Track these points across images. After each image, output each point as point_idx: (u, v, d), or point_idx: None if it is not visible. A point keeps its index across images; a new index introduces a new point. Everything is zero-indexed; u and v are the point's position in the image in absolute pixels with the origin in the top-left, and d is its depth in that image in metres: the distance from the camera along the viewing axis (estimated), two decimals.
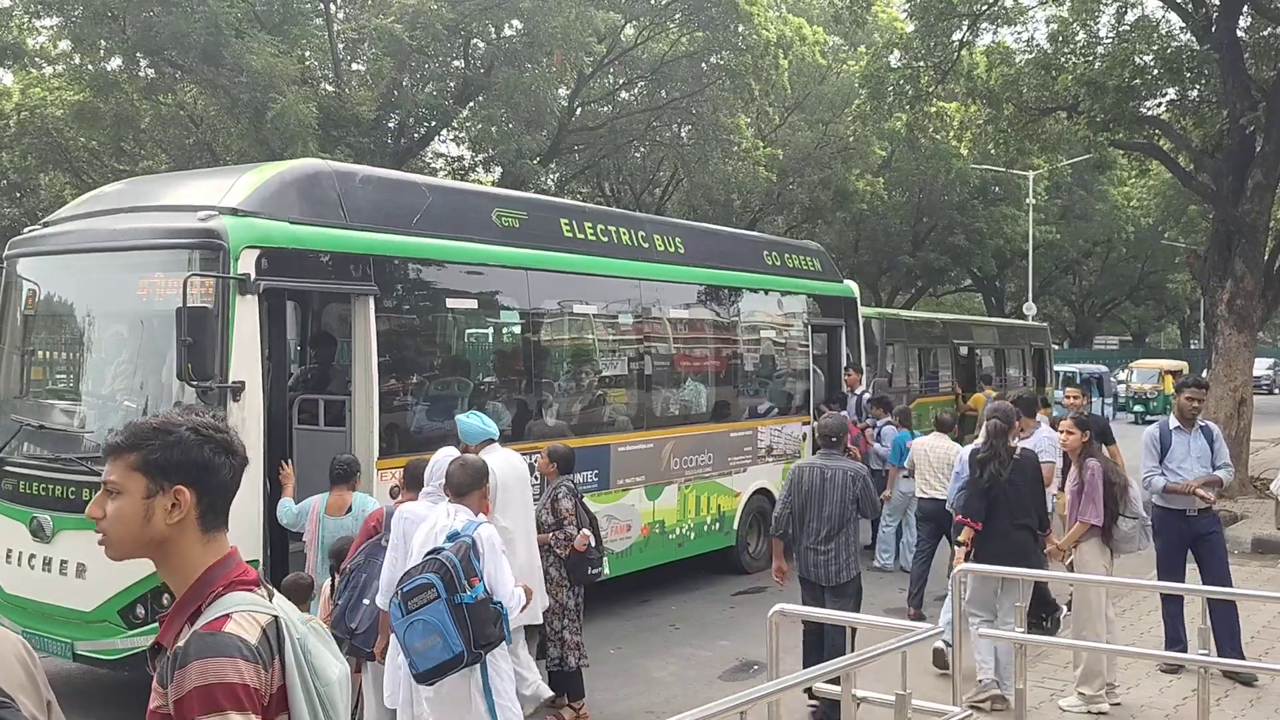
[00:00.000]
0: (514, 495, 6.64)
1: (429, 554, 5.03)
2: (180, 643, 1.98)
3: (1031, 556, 7.17)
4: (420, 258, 8.29)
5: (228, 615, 1.99)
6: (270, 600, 2.09)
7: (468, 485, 5.39)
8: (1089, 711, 6.93)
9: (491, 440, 6.71)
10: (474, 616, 4.84)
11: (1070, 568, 7.51)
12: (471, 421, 6.78)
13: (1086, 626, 7.09)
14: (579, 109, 27.46)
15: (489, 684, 5.14)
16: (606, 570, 7.66)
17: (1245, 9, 16.03)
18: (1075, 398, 10.01)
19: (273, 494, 7.20)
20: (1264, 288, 16.12)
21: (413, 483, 6.30)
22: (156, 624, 6.44)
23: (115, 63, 21.52)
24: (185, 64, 19.84)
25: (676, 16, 25.49)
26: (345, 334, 8.13)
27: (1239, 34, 16.23)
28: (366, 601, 5.79)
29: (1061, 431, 7.54)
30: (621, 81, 28.71)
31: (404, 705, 5.34)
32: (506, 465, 6.61)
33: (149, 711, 2.03)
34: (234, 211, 7.01)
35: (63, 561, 6.83)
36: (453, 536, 5.08)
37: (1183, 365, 31.90)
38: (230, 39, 18.39)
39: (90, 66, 21.51)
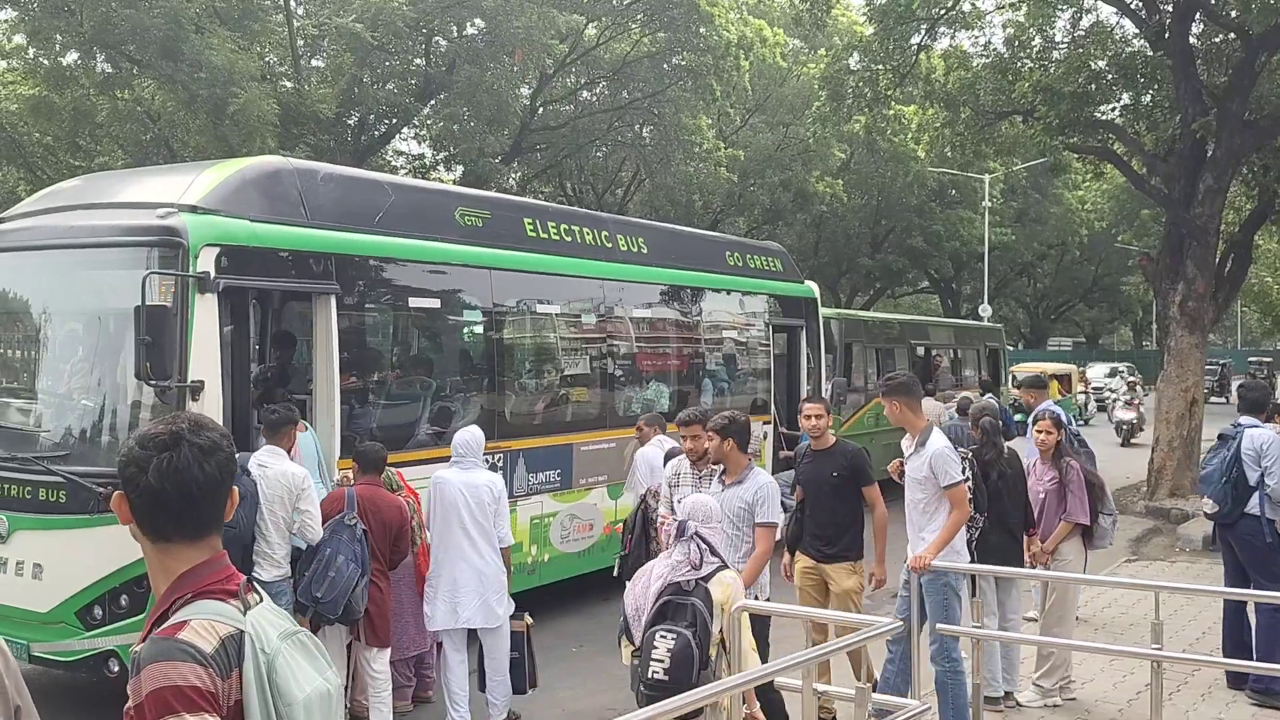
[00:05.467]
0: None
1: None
2: (138, 648, 1.98)
3: (1012, 557, 7.17)
4: (382, 256, 8.27)
5: (185, 622, 1.98)
6: (246, 612, 2.05)
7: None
8: (1045, 704, 7.04)
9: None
10: None
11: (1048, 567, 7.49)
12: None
13: (1060, 623, 7.17)
14: (541, 108, 27.41)
15: None
16: None
17: (1197, 16, 16.32)
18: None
19: None
20: (1215, 290, 16.42)
21: (368, 467, 6.90)
22: (114, 625, 6.43)
23: (71, 57, 21.24)
24: (144, 59, 19.59)
25: (638, 17, 25.50)
26: (306, 333, 8.09)
27: (1191, 40, 16.51)
28: (332, 574, 6.35)
29: (1040, 431, 7.53)
30: (583, 81, 28.67)
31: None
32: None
33: (124, 712, 2.02)
34: (193, 209, 6.96)
35: (19, 562, 6.74)
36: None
37: (1070, 368, 30.60)
38: (190, 34, 18.19)
39: (46, 61, 21.21)
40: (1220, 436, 7.58)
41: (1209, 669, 7.51)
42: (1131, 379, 32.58)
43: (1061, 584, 7.21)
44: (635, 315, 11.05)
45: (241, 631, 2.01)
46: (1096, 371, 41.52)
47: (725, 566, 5.00)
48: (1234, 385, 43.02)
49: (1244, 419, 7.46)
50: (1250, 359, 53.32)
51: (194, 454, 2.06)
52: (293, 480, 6.45)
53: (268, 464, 6.49)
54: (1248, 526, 7.23)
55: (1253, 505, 7.17)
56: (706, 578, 4.84)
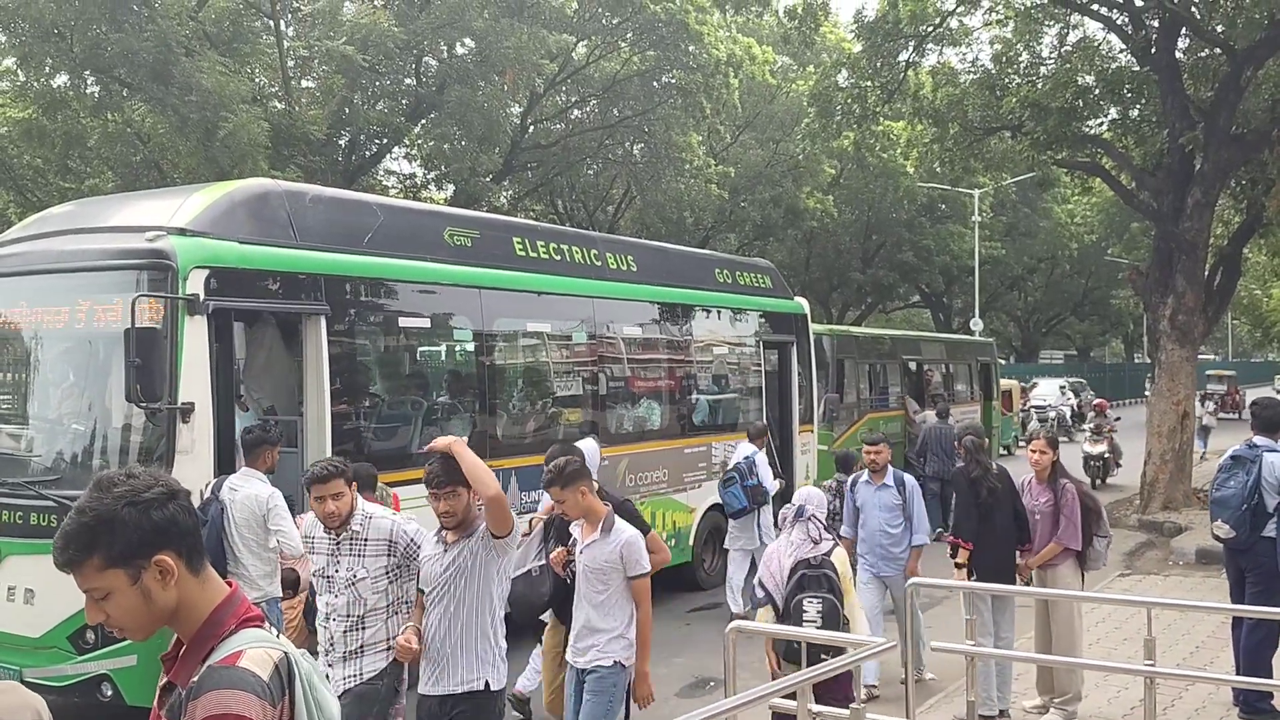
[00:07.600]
0: None
1: (734, 466, 10.34)
2: (195, 679, 2.02)
3: (1006, 575, 7.14)
4: (372, 277, 8.27)
5: (241, 651, 2.03)
6: (277, 637, 2.13)
7: (756, 433, 10.96)
8: None
9: None
10: (755, 492, 10.18)
11: (1030, 583, 7.44)
12: None
13: (1068, 653, 7.09)
14: (532, 127, 27.46)
15: (762, 521, 10.28)
16: None
17: (1183, 31, 16.42)
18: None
19: None
20: (1204, 303, 16.48)
21: (364, 485, 6.66)
22: (106, 650, 6.40)
23: (61, 80, 21.24)
24: (134, 82, 19.59)
25: (628, 36, 25.59)
26: (296, 354, 8.08)
27: (1177, 55, 16.61)
28: None
29: (1034, 451, 7.42)
30: (574, 100, 28.74)
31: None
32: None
33: None
34: (182, 231, 6.97)
35: (10, 588, 6.72)
36: (746, 456, 10.34)
37: (1011, 384, 28.44)
38: (180, 57, 18.20)
39: (36, 84, 21.20)
40: (1235, 458, 7.27)
41: (1203, 683, 7.50)
42: (1098, 400, 25.85)
43: (1066, 615, 7.14)
44: (626, 333, 11.06)
45: (286, 654, 2.08)
46: (1044, 389, 38.60)
47: (836, 544, 6.04)
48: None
49: (1258, 439, 7.22)
50: (1208, 371, 49.53)
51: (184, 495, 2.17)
52: (257, 502, 6.51)
53: (238, 487, 6.58)
54: (1264, 548, 7.09)
55: (1269, 529, 7.03)
56: (828, 552, 5.82)
